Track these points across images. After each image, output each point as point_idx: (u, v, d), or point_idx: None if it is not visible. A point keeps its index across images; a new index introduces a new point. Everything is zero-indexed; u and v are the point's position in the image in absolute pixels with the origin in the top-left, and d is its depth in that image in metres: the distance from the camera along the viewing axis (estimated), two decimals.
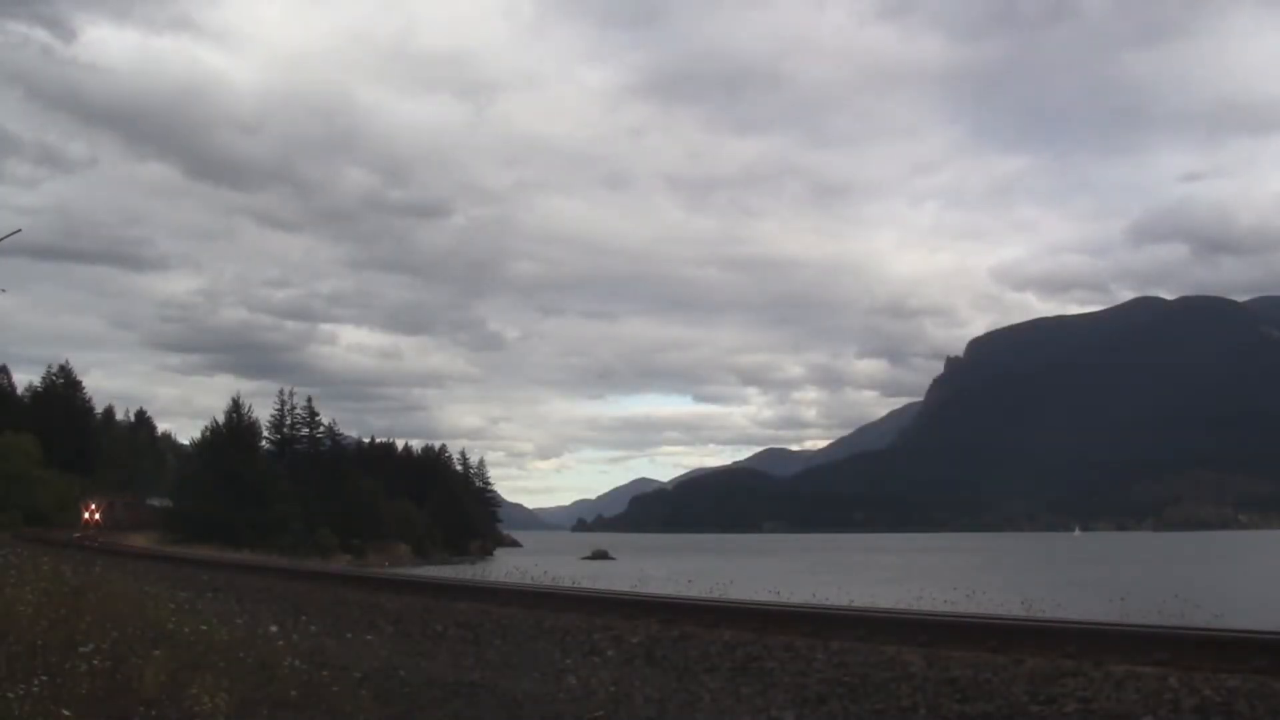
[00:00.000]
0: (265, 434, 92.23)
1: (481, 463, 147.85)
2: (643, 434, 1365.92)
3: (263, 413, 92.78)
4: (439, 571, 57.15)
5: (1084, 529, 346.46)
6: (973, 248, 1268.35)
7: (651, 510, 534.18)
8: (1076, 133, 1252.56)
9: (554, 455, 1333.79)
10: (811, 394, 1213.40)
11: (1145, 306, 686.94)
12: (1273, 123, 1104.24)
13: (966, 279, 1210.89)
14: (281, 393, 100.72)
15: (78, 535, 52.81)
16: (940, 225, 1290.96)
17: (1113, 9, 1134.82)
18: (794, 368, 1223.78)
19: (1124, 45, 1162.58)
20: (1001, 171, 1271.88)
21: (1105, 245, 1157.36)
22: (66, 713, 6.33)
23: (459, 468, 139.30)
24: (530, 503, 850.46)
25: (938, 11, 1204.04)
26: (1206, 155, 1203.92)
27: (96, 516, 67.98)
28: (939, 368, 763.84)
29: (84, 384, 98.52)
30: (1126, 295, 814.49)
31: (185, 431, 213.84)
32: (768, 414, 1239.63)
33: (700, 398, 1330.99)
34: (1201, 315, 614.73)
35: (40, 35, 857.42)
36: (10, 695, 6.27)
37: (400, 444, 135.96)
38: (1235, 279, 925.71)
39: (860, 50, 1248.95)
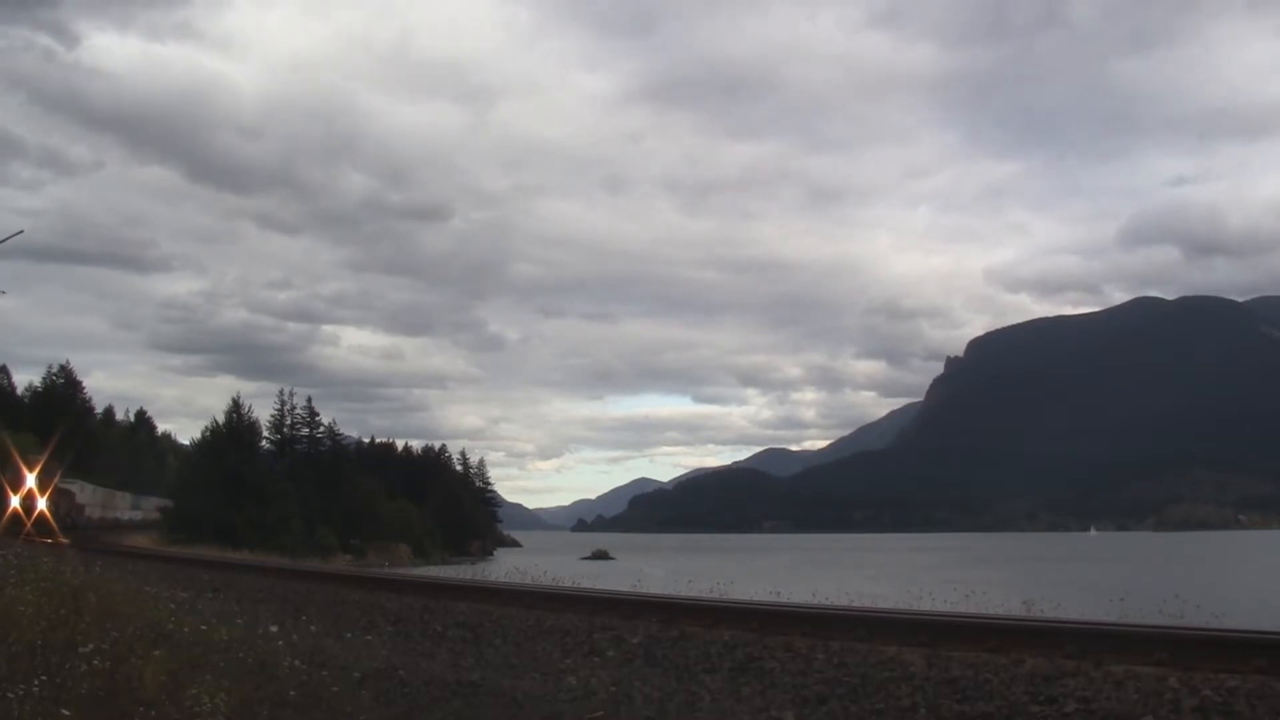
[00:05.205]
0: (265, 434, 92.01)
1: (481, 463, 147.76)
2: (643, 434, 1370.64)
3: (263, 413, 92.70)
4: (439, 571, 57.15)
5: (1083, 529, 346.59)
6: (967, 250, 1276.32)
7: (651, 510, 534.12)
8: (1068, 138, 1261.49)
9: (554, 455, 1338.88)
10: (810, 394, 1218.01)
11: (1145, 307, 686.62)
12: (1262, 128, 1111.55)
13: (961, 281, 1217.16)
14: (281, 393, 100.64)
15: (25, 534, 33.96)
16: (934, 228, 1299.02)
17: (1102, 16, 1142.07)
18: (792, 368, 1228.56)
19: (1114, 52, 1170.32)
20: (994, 176, 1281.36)
21: (1098, 248, 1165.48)
22: (66, 713, 6.32)
23: (459, 468, 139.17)
24: (530, 503, 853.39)
25: (929, 19, 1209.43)
26: (1197, 160, 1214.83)
27: (42, 507, 41.49)
28: (936, 368, 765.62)
29: (85, 384, 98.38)
30: (1119, 297, 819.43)
31: (186, 432, 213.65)
32: (767, 414, 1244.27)
33: (700, 398, 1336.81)
34: (1201, 315, 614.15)
35: (43, 40, 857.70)
36: (10, 695, 6.26)
37: (400, 444, 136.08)
38: (1228, 281, 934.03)
39: (854, 57, 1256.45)
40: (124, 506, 75.97)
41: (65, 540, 32.46)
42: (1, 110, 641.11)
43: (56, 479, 47.43)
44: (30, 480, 41.51)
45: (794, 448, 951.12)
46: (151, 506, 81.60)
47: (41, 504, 41.44)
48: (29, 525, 36.89)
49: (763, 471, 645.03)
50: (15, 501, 39.25)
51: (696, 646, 10.86)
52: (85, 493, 64.20)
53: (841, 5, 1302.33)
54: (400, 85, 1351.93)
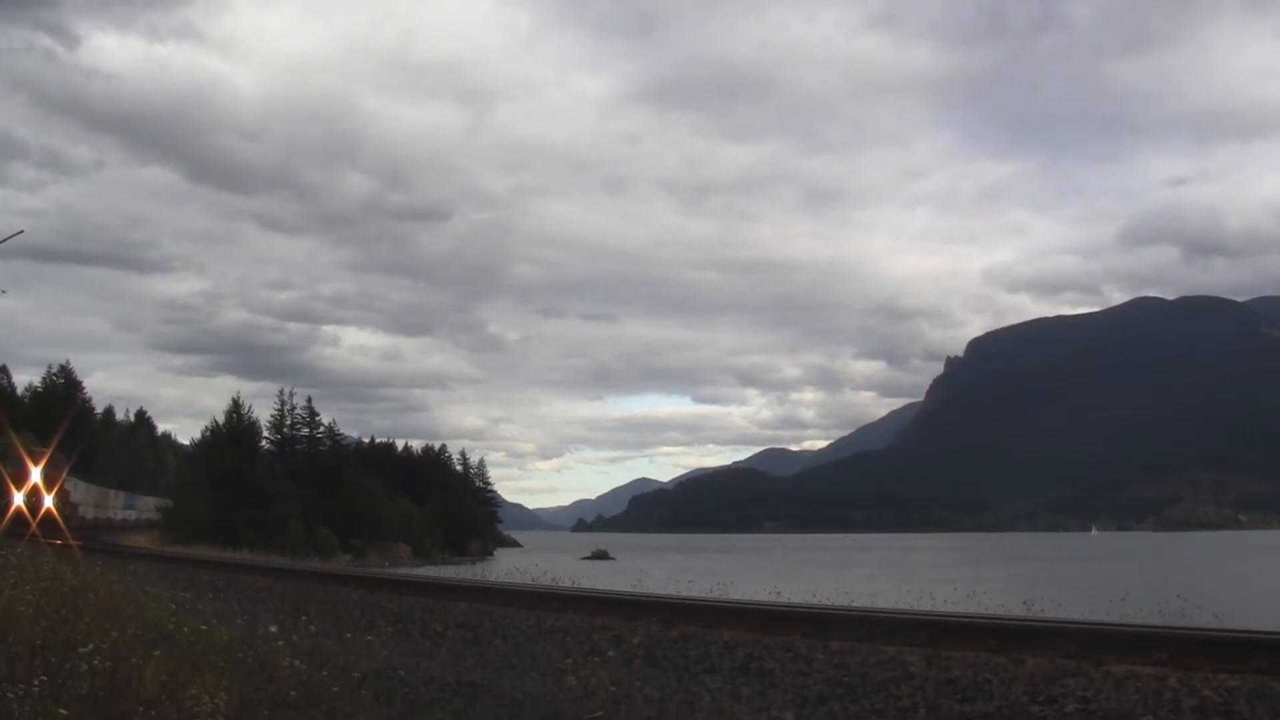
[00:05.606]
0: (265, 434, 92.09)
1: (482, 463, 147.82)
2: (642, 434, 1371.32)
3: (263, 413, 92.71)
4: (439, 571, 57.15)
5: (1083, 529, 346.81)
6: (965, 251, 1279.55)
7: (651, 510, 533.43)
8: (1066, 139, 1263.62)
9: (554, 456, 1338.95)
10: (810, 395, 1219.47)
11: (1145, 306, 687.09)
12: (1259, 128, 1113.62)
13: (960, 281, 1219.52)
14: (281, 393, 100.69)
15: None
16: (932, 229, 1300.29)
17: (1100, 18, 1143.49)
18: (792, 369, 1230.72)
19: (1111, 54, 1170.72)
20: (992, 177, 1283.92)
21: (1096, 248, 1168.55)
22: (66, 713, 6.32)
23: (459, 468, 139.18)
24: (530, 503, 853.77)
25: (927, 21, 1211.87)
26: (1194, 160, 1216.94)
27: (49, 505, 37.43)
28: (935, 368, 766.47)
29: (85, 384, 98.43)
30: (1119, 297, 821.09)
31: (187, 432, 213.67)
32: (766, 414, 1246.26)
33: (699, 398, 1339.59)
34: (1201, 315, 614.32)
35: (44, 41, 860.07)
36: (10, 695, 6.27)
37: (400, 444, 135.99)
38: (1227, 281, 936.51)
39: (852, 59, 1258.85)
40: (117, 506, 75.31)
41: (75, 542, 28.69)
42: (2, 111, 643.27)
43: (64, 474, 43.74)
44: (35, 475, 38.03)
45: (794, 448, 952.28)
46: (146, 506, 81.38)
47: (48, 501, 37.77)
48: (35, 525, 31.30)
49: (763, 471, 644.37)
50: (19, 499, 35.49)
51: (696, 646, 10.86)
52: (79, 491, 61.48)
53: (839, 7, 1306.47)
54: (400, 87, 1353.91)
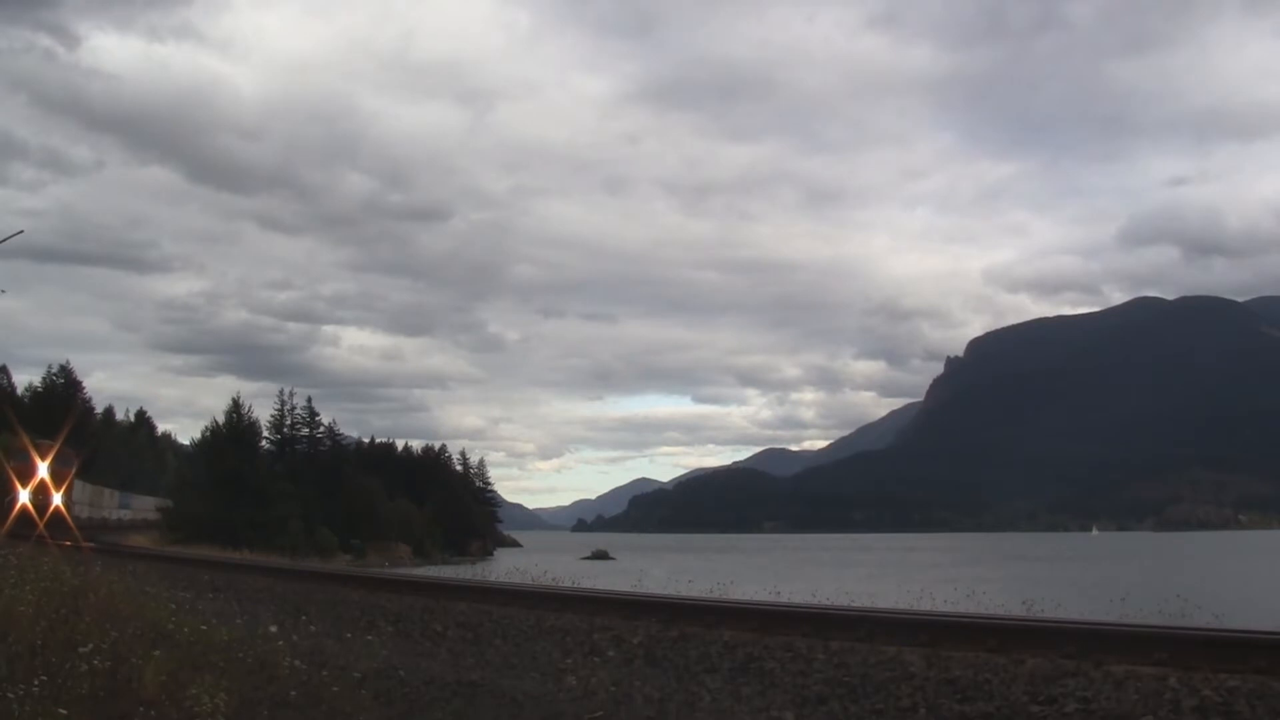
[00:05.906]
0: (265, 434, 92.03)
1: (482, 463, 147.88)
2: (642, 434, 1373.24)
3: (263, 413, 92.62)
4: (439, 571, 57.15)
5: (1083, 529, 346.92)
6: (964, 251, 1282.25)
7: (651, 510, 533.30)
8: (1065, 139, 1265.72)
9: (554, 456, 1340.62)
10: (810, 395, 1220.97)
11: (1145, 306, 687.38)
12: (1259, 128, 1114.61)
13: (960, 281, 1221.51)
14: (281, 393, 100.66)
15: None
16: (932, 229, 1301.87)
17: (1100, 19, 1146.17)
18: (792, 369, 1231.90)
19: (1111, 54, 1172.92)
20: (992, 177, 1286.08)
21: (1096, 248, 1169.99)
22: (66, 713, 6.32)
23: (459, 468, 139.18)
24: (530, 503, 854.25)
25: (927, 21, 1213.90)
26: (1194, 160, 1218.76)
27: (58, 503, 35.65)
28: (936, 368, 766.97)
29: (85, 384, 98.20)
30: (1119, 297, 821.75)
31: (187, 432, 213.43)
32: (766, 414, 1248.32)
33: (699, 398, 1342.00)
34: (1201, 315, 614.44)
35: (44, 41, 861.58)
36: (10, 695, 6.27)
37: (400, 444, 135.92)
38: (1227, 280, 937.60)
39: (851, 59, 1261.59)
40: (112, 505, 73.93)
41: (87, 544, 27.32)
42: (3, 111, 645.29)
43: (74, 471, 41.86)
44: (43, 470, 35.91)
45: (794, 448, 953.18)
46: (142, 506, 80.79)
47: (57, 499, 35.99)
48: (42, 525, 30.47)
49: (763, 471, 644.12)
50: (25, 496, 33.80)
51: (696, 646, 10.85)
52: (74, 489, 55.35)
53: (839, 7, 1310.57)
54: (401, 87, 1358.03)
